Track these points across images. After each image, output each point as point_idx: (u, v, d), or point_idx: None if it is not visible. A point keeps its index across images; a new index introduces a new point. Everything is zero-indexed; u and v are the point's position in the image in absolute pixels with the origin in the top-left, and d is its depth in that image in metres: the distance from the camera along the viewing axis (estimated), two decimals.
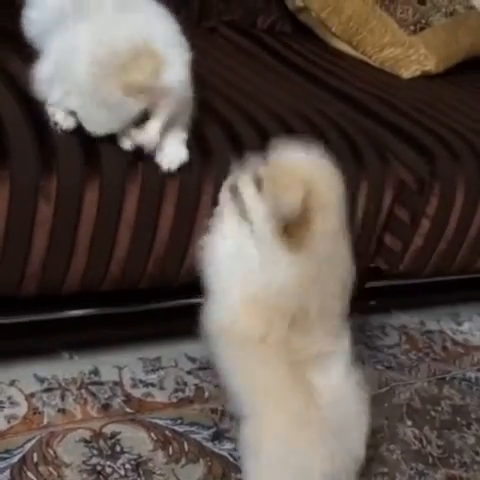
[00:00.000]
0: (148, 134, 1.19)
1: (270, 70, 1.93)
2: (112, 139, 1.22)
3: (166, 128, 1.22)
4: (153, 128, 1.19)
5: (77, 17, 1.21)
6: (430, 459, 1.54)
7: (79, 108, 1.16)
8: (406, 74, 2.10)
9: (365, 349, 1.85)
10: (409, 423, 1.62)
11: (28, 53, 1.35)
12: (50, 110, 1.20)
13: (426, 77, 2.12)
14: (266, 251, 1.10)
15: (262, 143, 1.39)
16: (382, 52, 2.12)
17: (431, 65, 2.12)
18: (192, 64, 1.27)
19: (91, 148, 1.21)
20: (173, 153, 1.24)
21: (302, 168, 1.11)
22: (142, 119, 1.18)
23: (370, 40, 2.13)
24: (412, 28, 2.13)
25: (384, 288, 1.88)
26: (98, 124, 1.18)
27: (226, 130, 1.39)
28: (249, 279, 1.13)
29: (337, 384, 1.15)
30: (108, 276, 1.30)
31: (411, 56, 2.11)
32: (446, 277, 1.88)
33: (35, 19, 1.39)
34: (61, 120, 1.19)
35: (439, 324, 2.03)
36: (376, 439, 1.55)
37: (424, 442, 1.59)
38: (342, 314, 1.20)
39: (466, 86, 2.13)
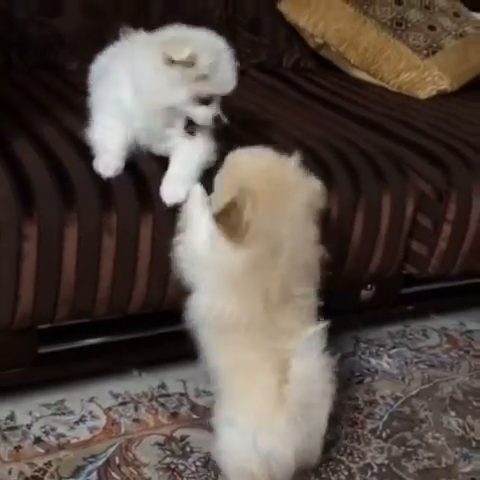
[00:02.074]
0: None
1: (297, 104, 2.08)
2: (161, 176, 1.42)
3: None
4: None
5: None
6: (473, 443, 1.66)
7: None
8: (423, 95, 2.24)
9: (408, 351, 1.98)
10: (452, 413, 1.74)
11: (80, 111, 1.57)
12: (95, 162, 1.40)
13: (442, 96, 2.25)
14: (213, 240, 1.28)
15: None
16: (399, 77, 2.27)
17: (446, 84, 2.25)
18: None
19: (143, 187, 1.41)
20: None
21: (241, 169, 1.31)
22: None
23: (387, 67, 2.28)
24: (425, 52, 2.27)
25: (421, 293, 2.02)
26: None
27: None
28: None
29: (307, 365, 1.26)
30: (166, 297, 1.48)
31: (426, 78, 2.25)
32: None
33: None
34: (103, 169, 1.39)
35: (478, 324, 2.13)
36: (422, 429, 1.68)
37: (467, 429, 1.70)
38: (311, 298, 1.33)
39: None
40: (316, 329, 1.29)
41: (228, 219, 1.24)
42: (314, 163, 1.62)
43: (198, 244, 1.31)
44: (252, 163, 1.32)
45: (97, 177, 1.38)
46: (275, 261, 1.26)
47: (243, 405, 1.28)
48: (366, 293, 1.84)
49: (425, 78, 2.26)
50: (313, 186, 1.32)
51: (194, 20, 2.18)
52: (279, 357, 1.27)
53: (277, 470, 1.28)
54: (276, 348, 1.27)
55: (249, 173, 1.29)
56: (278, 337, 1.27)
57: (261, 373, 1.26)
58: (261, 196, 1.25)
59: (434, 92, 2.26)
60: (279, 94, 2.18)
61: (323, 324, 1.30)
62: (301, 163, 1.32)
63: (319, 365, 1.28)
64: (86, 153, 1.44)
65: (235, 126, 1.57)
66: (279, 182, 1.29)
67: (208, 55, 1.39)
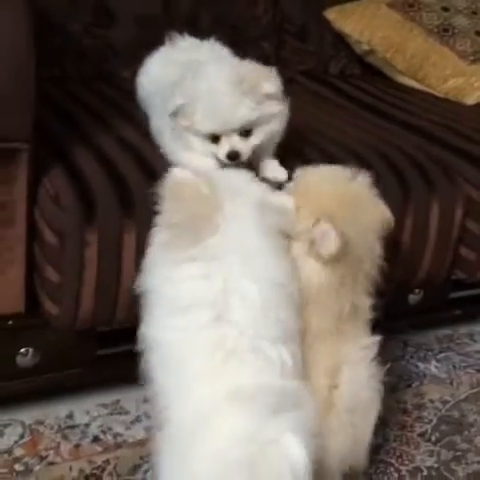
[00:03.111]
0: (248, 143, 1.44)
1: (345, 111, 2.11)
2: None
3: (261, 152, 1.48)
4: (253, 141, 1.44)
5: None
6: None
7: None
8: (470, 101, 2.25)
9: (455, 355, 2.00)
10: None
11: (134, 120, 1.65)
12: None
13: None
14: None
15: None
16: (446, 83, 2.28)
17: None
18: None
19: None
20: (278, 168, 1.50)
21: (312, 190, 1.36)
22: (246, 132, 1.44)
23: (433, 73, 2.30)
24: (471, 58, 2.28)
25: (469, 297, 2.03)
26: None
27: None
28: None
29: (357, 372, 1.31)
30: None
31: (473, 84, 2.25)
32: None
33: (145, 84, 1.68)
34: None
35: None
36: (471, 433, 1.70)
37: None
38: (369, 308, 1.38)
39: None
40: (370, 340, 1.34)
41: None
42: (364, 169, 1.65)
43: None
44: (323, 185, 1.36)
45: (154, 186, 1.43)
46: (355, 279, 1.32)
47: None
48: (414, 297, 1.86)
49: (472, 84, 2.26)
50: (382, 212, 1.38)
51: (242, 28, 2.26)
52: (332, 361, 1.30)
53: (321, 473, 1.28)
54: (331, 352, 1.31)
55: (321, 195, 1.34)
56: (336, 341, 1.31)
57: (314, 376, 1.29)
58: (337, 218, 1.30)
59: None
60: (326, 101, 2.21)
61: (377, 337, 1.36)
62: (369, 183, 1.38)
63: (368, 374, 1.32)
64: (143, 162, 1.49)
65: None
66: (350, 205, 1.33)
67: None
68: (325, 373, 1.30)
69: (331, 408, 1.29)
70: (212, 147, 1.44)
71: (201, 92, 1.41)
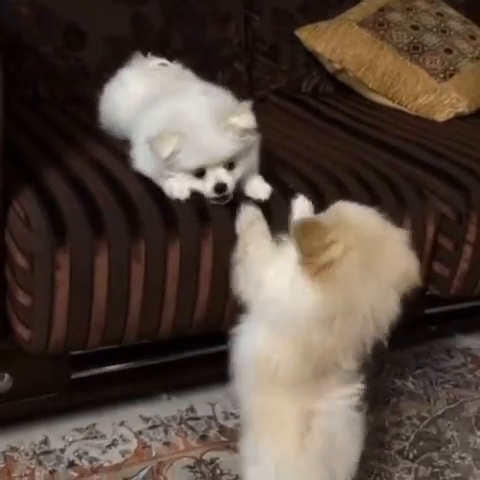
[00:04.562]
0: (233, 176, 1.45)
1: (317, 129, 2.12)
2: (186, 205, 1.46)
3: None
4: (237, 173, 1.46)
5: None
6: None
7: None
8: (441, 117, 2.26)
9: (432, 371, 2.00)
10: (479, 433, 1.76)
11: (106, 141, 1.65)
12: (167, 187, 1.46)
13: (460, 118, 2.27)
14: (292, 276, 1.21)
15: (314, 197, 1.60)
16: (416, 100, 2.30)
17: (464, 106, 2.27)
18: None
19: (170, 215, 1.45)
20: (262, 186, 1.52)
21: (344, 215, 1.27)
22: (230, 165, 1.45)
23: (404, 91, 2.32)
24: (442, 76, 2.31)
25: (444, 313, 2.04)
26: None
27: (280, 188, 1.59)
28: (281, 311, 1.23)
29: (329, 419, 1.26)
30: (194, 322, 1.52)
31: (444, 101, 2.27)
32: None
33: (107, 111, 1.70)
34: (179, 193, 1.45)
35: None
36: (449, 449, 1.70)
37: None
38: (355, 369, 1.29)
39: None
40: (349, 391, 1.29)
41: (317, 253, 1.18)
42: (335, 187, 1.67)
43: (269, 278, 1.26)
44: (357, 217, 1.27)
45: (125, 207, 1.43)
46: (343, 323, 1.20)
47: (268, 449, 1.28)
48: None
49: (443, 101, 2.28)
50: (409, 267, 1.27)
51: (214, 48, 2.28)
52: (308, 408, 1.26)
53: None
54: (308, 402, 1.26)
55: (352, 222, 1.24)
56: (313, 395, 1.27)
57: (289, 422, 1.26)
58: (358, 246, 1.20)
59: (452, 115, 2.27)
60: (299, 119, 2.22)
61: (357, 386, 1.30)
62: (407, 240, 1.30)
63: (344, 421, 1.28)
64: (114, 183, 1.48)
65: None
66: (380, 247, 1.23)
67: None
68: (299, 419, 1.26)
69: (304, 451, 1.26)
70: (197, 183, 1.45)
71: (183, 132, 1.41)
